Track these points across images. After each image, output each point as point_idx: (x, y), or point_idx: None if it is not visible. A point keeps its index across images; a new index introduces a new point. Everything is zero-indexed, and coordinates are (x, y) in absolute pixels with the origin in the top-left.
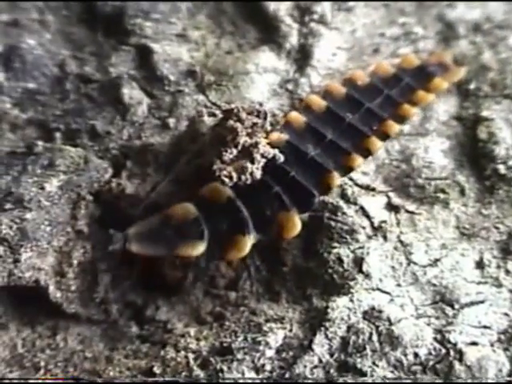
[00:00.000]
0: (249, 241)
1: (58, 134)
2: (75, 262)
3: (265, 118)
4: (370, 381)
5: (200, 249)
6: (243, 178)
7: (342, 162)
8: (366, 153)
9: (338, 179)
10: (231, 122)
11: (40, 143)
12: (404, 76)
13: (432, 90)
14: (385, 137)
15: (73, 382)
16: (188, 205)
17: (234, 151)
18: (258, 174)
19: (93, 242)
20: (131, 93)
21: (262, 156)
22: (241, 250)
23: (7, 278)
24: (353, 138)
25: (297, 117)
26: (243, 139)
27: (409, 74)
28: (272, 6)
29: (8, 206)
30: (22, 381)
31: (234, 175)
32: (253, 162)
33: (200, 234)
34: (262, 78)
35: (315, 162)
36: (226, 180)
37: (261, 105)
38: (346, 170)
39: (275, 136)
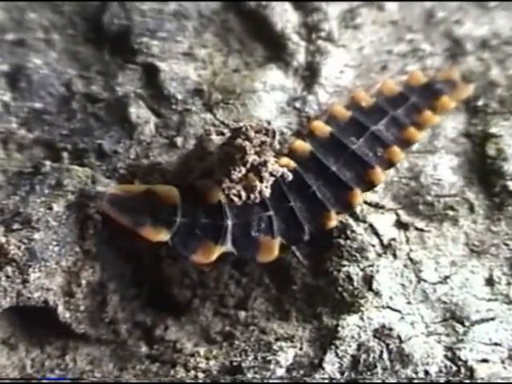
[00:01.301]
0: (218, 250)
1: (65, 154)
2: (84, 282)
3: (273, 137)
4: None
5: (162, 237)
6: (252, 196)
7: (344, 198)
8: (369, 185)
9: (334, 220)
10: (239, 141)
11: (47, 163)
12: (410, 95)
13: (439, 110)
14: (389, 165)
15: (73, 383)
16: (174, 190)
17: (243, 170)
18: (267, 193)
19: (101, 262)
20: (138, 112)
21: (271, 174)
22: (207, 256)
23: (16, 299)
24: (356, 169)
25: (302, 144)
26: (252, 158)
27: (415, 92)
28: (279, 24)
29: (16, 226)
30: (23, 381)
31: (243, 194)
32: (262, 181)
33: (170, 223)
34: (269, 96)
35: (315, 198)
36: (235, 199)
37: (269, 123)
38: (347, 206)
39: (284, 161)
